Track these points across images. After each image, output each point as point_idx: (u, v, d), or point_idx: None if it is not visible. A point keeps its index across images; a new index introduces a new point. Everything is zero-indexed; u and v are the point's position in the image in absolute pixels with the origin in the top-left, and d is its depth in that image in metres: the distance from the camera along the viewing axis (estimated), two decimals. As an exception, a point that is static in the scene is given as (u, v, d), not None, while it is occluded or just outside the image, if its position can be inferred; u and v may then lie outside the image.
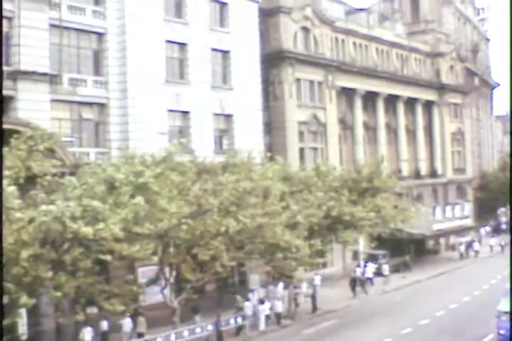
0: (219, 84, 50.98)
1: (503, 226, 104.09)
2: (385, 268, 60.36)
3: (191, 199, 34.73)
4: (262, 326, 42.80)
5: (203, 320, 39.87)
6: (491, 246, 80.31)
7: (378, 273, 59.72)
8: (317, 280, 51.49)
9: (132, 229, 30.61)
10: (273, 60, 57.96)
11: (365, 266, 59.75)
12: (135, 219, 30.53)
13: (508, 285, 38.01)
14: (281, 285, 47.95)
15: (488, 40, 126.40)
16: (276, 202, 38.85)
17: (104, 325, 37.50)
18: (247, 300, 43.76)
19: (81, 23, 42.14)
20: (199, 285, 38.98)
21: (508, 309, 35.10)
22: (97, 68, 43.62)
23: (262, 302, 43.95)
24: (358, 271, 56.98)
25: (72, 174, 33.20)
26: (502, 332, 35.09)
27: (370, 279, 58.48)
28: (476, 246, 78.74)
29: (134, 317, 37.48)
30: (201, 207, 34.95)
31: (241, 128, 51.63)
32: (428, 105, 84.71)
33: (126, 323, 37.72)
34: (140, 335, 37.43)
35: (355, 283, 53.67)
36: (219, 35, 51.01)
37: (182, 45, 48.25)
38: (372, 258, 62.27)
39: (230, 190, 35.96)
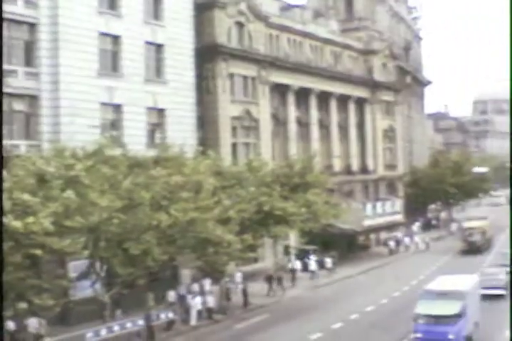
0: (152, 77, 50.71)
1: (434, 222, 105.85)
2: (328, 261, 61.76)
3: (123, 193, 34.54)
4: (193, 321, 42.74)
5: (134, 315, 39.58)
6: (417, 243, 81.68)
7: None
8: (238, 277, 51.57)
9: (63, 222, 30.34)
10: (207, 54, 57.74)
11: (309, 258, 60.81)
12: (66, 213, 30.25)
13: (427, 287, 37.96)
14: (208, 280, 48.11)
15: (420, 38, 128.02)
16: (208, 196, 38.87)
17: (11, 325, 35.45)
18: (193, 293, 43.97)
19: (12, 12, 41.40)
20: (130, 279, 38.73)
21: (426, 312, 34.89)
22: (29, 59, 42.98)
23: (193, 296, 43.90)
24: (296, 265, 58.59)
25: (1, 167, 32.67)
26: (419, 335, 34.50)
27: (313, 272, 59.46)
28: (406, 241, 79.87)
29: (39, 317, 36.22)
30: (133, 200, 34.78)
31: (174, 122, 51.43)
32: (360, 102, 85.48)
33: (31, 323, 36.07)
34: (39, 337, 35.78)
35: (270, 280, 52.88)
36: (153, 28, 50.71)
37: (115, 38, 47.84)
38: (303, 253, 62.65)
39: (162, 184, 35.90)
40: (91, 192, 31.72)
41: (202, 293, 45.89)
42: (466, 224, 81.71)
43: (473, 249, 73.88)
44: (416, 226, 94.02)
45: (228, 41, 60.16)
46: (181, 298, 44.81)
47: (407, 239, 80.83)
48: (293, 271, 57.33)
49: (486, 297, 44.38)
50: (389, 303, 48.37)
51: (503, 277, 49.85)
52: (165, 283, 46.89)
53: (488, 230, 79.94)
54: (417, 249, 79.99)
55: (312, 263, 60.01)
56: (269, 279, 52.53)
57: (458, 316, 34.12)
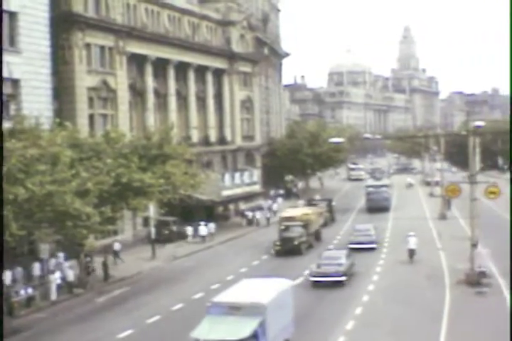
0: (6, 46, 48.96)
1: (294, 190, 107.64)
2: (212, 226, 65.19)
3: (-24, 167, 33.56)
4: (53, 296, 42.18)
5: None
6: (257, 219, 76.68)
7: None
8: (117, 246, 51.46)
9: None
10: (63, 23, 56.37)
11: (199, 224, 64.07)
12: None
13: (216, 298, 29.83)
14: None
15: (278, 10, 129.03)
16: (66, 169, 38.27)
17: None
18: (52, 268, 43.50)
19: None
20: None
21: (204, 336, 26.61)
22: None
23: (52, 271, 43.30)
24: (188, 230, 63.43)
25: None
26: None
27: (203, 237, 63.89)
28: (273, 208, 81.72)
29: None
30: (-13, 174, 33.84)
31: (29, 93, 50.09)
32: (218, 73, 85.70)
33: None
34: None
35: (116, 254, 53.05)
36: (5, -4, 49.00)
37: (-35, 5, 45.99)
38: (162, 224, 62.72)
39: (18, 156, 35.04)
40: None
41: (61, 267, 45.22)
42: (283, 214, 64.85)
43: (289, 248, 55.59)
44: (277, 197, 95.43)
45: (85, 10, 58.96)
46: (40, 273, 44.14)
47: (275, 205, 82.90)
48: (152, 242, 57.15)
49: (322, 285, 42.63)
50: (249, 272, 49.00)
51: (343, 261, 44.41)
52: (23, 258, 46.07)
53: (315, 220, 63.03)
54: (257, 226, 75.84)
55: (202, 228, 63.73)
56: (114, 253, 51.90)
57: (252, 339, 26.34)
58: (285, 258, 53.70)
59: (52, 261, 46.11)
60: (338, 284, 42.54)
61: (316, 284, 42.76)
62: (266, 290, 30.08)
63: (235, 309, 27.69)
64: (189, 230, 64.29)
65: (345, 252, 47.14)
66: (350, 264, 45.46)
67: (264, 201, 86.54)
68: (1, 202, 24.34)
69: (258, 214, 77.58)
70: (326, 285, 42.47)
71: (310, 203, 77.08)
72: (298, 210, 65.83)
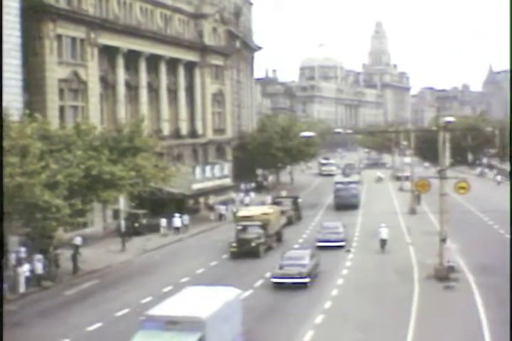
0: (-25, 37, 48.61)
1: (265, 184, 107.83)
2: (186, 218, 65.66)
3: None
4: (22, 288, 41.83)
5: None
6: (222, 215, 74.89)
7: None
8: (78, 240, 51.00)
9: None
10: (34, 14, 55.86)
11: (174, 216, 64.67)
12: None
13: (151, 311, 26.66)
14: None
15: (251, 4, 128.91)
16: (36, 161, 38.04)
17: None
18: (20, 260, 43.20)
19: None
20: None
21: None
22: None
23: (21, 263, 43.00)
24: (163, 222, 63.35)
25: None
26: None
27: (177, 229, 64.55)
28: (245, 201, 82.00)
29: None
30: (-45, 166, 33.54)
31: (-2, 84, 49.67)
32: (190, 66, 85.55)
33: None
34: None
35: (77, 249, 50.26)
36: (-25, -15, 48.47)
37: None
38: (132, 217, 62.44)
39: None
40: None
41: (30, 259, 44.88)
42: (240, 213, 60.54)
43: (246, 250, 51.26)
44: (249, 190, 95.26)
45: (56, 1, 58.59)
46: (9, 266, 43.75)
47: (247, 198, 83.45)
48: (122, 235, 56.82)
49: (285, 287, 40.39)
50: (219, 265, 49.01)
51: (307, 262, 41.99)
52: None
53: (276, 220, 58.14)
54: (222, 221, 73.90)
55: (176, 220, 64.17)
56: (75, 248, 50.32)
57: None
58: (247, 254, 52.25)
59: (12, 256, 45.51)
60: (301, 286, 40.31)
61: (278, 286, 40.73)
62: (209, 301, 27.08)
63: (171, 324, 24.68)
64: (163, 222, 63.98)
65: (309, 252, 44.37)
66: (315, 264, 43.10)
67: (236, 194, 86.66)
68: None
69: (223, 209, 75.96)
70: (288, 286, 40.39)
71: (275, 201, 74.09)
72: (257, 209, 60.83)
